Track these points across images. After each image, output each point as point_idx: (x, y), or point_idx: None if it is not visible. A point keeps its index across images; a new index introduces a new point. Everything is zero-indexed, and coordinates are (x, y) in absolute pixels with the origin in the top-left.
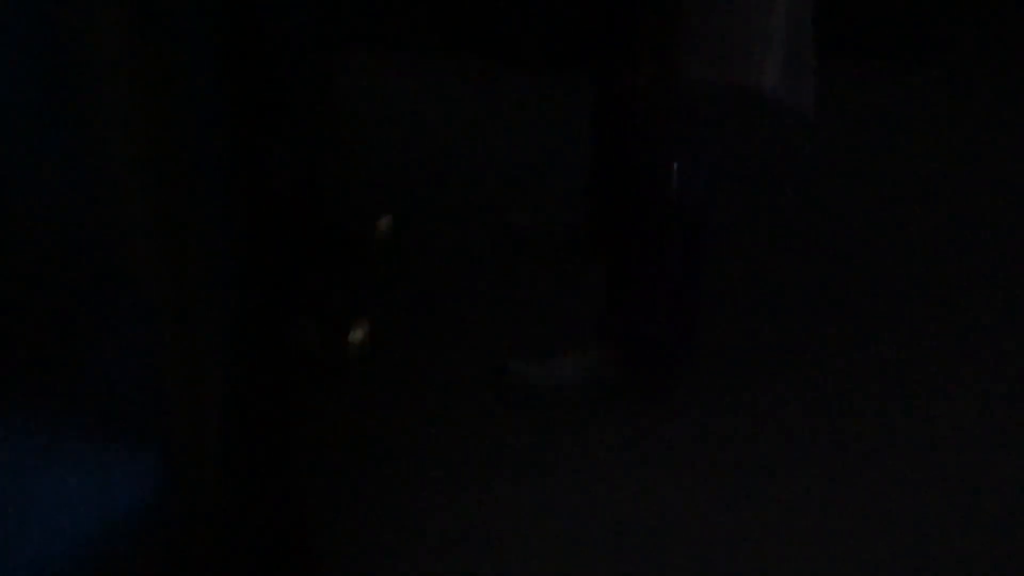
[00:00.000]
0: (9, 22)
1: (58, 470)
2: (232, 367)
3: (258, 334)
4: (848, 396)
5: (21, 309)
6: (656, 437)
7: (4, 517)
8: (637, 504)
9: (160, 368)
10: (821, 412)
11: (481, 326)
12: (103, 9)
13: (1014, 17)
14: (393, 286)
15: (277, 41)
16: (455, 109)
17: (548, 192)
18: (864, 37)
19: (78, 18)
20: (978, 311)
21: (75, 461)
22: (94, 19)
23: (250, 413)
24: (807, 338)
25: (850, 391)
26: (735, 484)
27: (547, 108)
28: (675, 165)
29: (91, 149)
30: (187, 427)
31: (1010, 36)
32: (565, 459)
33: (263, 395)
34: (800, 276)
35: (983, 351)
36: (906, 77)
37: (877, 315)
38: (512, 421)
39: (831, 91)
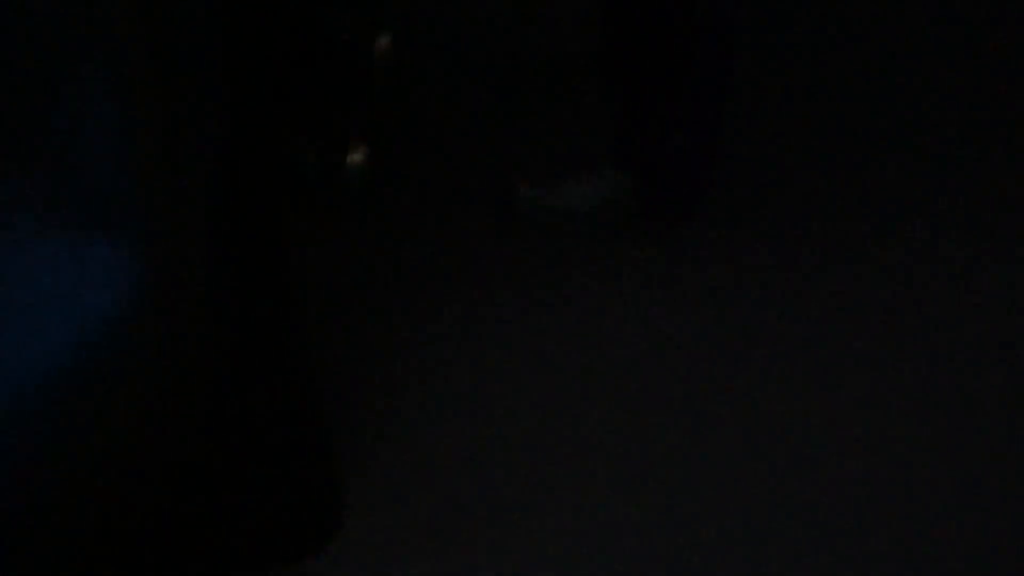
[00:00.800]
0: None
1: (33, 265)
2: (221, 172)
3: (250, 144)
4: (870, 224)
5: None
6: (673, 264)
7: None
8: (652, 331)
9: (140, 164)
10: (842, 239)
11: (489, 150)
12: None
13: None
14: (394, 108)
15: None
16: None
17: (562, 8)
18: None
19: None
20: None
21: (51, 256)
22: None
23: (241, 224)
24: (831, 164)
25: (872, 219)
26: (753, 312)
27: None
28: None
29: None
30: (170, 228)
31: None
32: (577, 287)
33: (255, 207)
34: (829, 96)
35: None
36: None
37: (906, 147)
38: (522, 248)
39: None
